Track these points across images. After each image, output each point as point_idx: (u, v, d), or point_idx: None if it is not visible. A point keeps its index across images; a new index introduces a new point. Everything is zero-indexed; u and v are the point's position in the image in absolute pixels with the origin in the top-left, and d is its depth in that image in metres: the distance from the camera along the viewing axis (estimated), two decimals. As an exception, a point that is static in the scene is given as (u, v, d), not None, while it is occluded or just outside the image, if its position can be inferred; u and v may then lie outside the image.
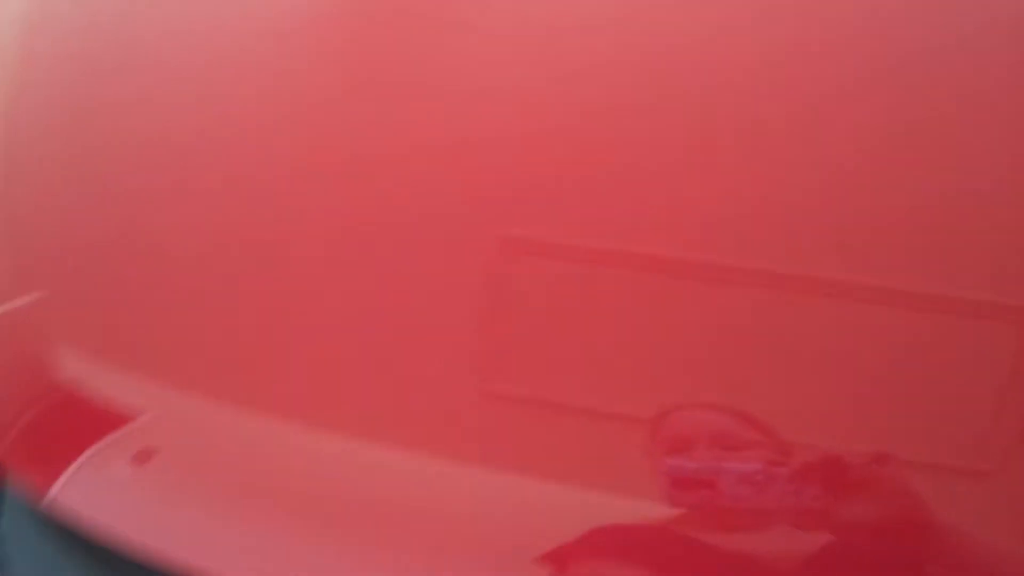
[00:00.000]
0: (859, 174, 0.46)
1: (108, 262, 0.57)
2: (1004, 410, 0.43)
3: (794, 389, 0.45)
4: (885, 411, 0.44)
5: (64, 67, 0.63)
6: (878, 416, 0.44)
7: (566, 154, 0.49)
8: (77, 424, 0.56)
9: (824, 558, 0.41)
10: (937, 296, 0.45)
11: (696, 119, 0.48)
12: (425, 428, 0.48)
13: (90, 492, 0.52)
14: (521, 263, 0.48)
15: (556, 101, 0.49)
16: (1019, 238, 0.45)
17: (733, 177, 0.47)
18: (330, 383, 0.50)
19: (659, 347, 0.46)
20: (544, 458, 0.46)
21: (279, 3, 0.56)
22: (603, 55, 0.49)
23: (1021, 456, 0.43)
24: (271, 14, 0.56)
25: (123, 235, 0.57)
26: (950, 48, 0.47)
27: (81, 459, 0.52)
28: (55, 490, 0.52)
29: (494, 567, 0.44)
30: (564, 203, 0.48)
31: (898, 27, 0.47)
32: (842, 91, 0.47)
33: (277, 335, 0.51)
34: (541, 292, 0.48)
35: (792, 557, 0.41)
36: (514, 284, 0.47)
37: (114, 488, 0.52)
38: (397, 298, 0.49)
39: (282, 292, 0.51)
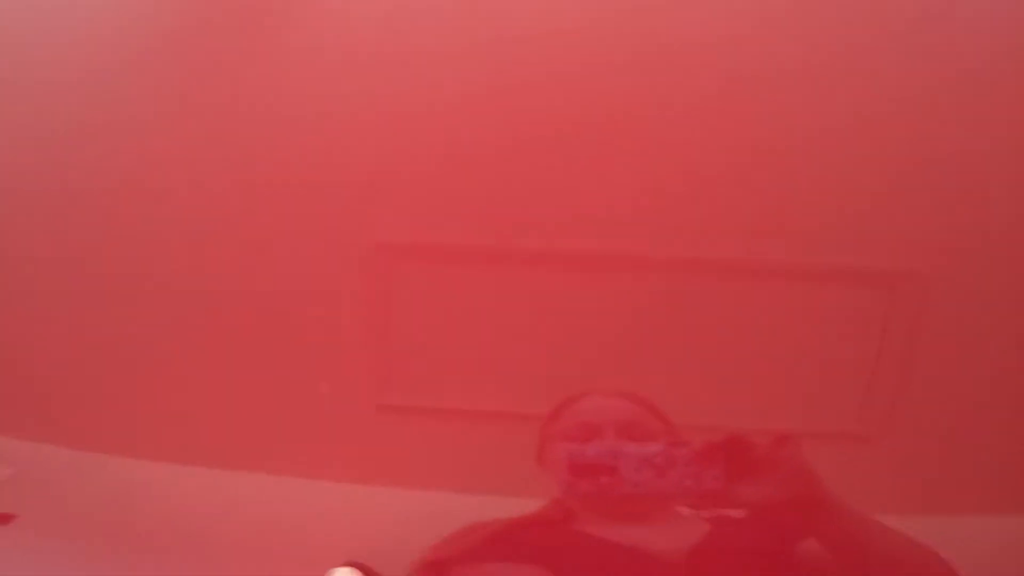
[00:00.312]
0: (724, 157, 0.49)
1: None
2: (879, 373, 0.45)
3: (680, 370, 0.46)
4: (767, 384, 0.45)
5: None
6: (760, 389, 0.45)
7: (431, 157, 0.49)
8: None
9: (711, 546, 0.41)
10: (807, 265, 0.47)
11: (556, 114, 0.49)
12: (317, 450, 0.47)
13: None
14: (396, 269, 0.47)
15: (417, 107, 0.50)
16: (880, 205, 0.48)
17: (605, 166, 0.48)
18: (206, 418, 0.48)
19: (547, 340, 0.47)
20: (438, 466, 0.46)
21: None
22: (453, 56, 0.50)
23: (898, 417, 0.45)
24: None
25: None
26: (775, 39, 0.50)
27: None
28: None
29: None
30: (433, 206, 0.49)
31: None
32: (701, 91, 0.49)
33: (142, 373, 0.49)
34: (421, 297, 0.48)
35: (678, 547, 0.41)
36: (392, 292, 0.47)
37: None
38: (274, 320, 0.48)
39: (145, 324, 0.49)
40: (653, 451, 0.40)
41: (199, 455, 0.47)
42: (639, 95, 0.49)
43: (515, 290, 0.47)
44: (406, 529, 0.44)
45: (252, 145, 0.51)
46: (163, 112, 0.51)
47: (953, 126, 0.50)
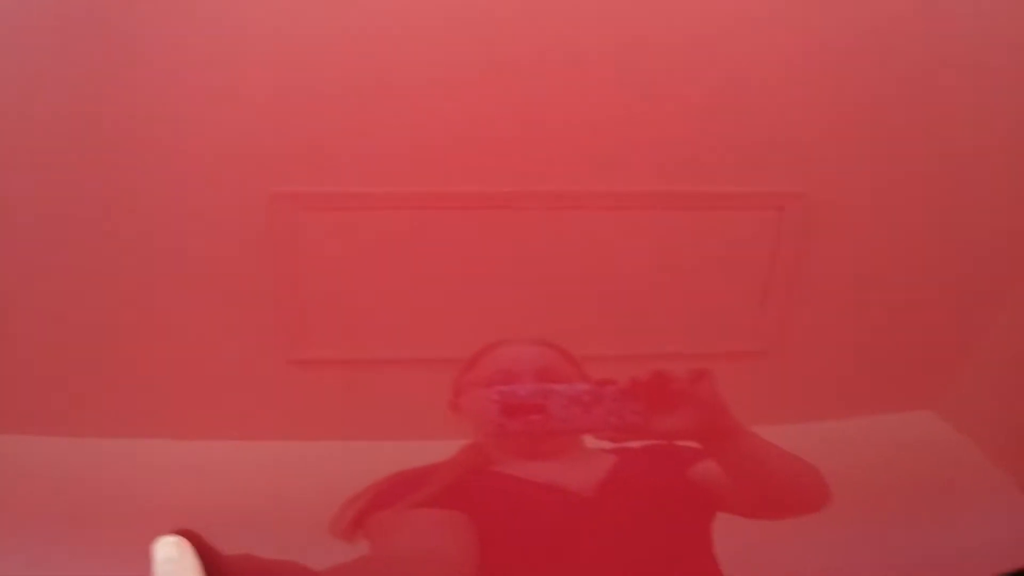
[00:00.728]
0: (610, 90, 0.50)
1: None
2: (770, 291, 0.47)
3: (583, 305, 0.47)
4: (667, 311, 0.47)
5: None
6: (660, 317, 0.47)
7: (334, 99, 0.48)
8: None
9: (617, 476, 0.43)
10: (697, 193, 0.49)
11: (452, 55, 0.50)
12: (232, 410, 0.45)
13: None
14: (297, 219, 0.46)
15: (315, 44, 0.49)
16: (762, 130, 0.50)
17: (501, 108, 0.49)
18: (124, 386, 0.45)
19: (454, 284, 0.47)
20: (353, 417, 0.45)
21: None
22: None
23: (790, 332, 0.47)
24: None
25: None
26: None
27: None
28: None
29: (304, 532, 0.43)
30: (329, 154, 0.48)
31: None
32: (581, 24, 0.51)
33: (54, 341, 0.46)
34: (326, 247, 0.46)
35: (588, 480, 0.43)
36: (295, 243, 0.46)
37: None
38: (177, 282, 0.46)
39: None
40: (581, 390, 0.42)
41: (100, 423, 0.45)
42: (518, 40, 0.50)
43: (424, 236, 0.47)
44: (325, 481, 0.43)
45: (145, 94, 0.49)
46: (43, 64, 0.49)
47: (834, 46, 0.52)
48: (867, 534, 0.44)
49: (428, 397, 0.44)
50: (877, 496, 0.44)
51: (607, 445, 0.43)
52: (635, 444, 0.43)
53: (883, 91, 0.53)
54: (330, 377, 0.45)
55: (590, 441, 0.43)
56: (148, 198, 0.47)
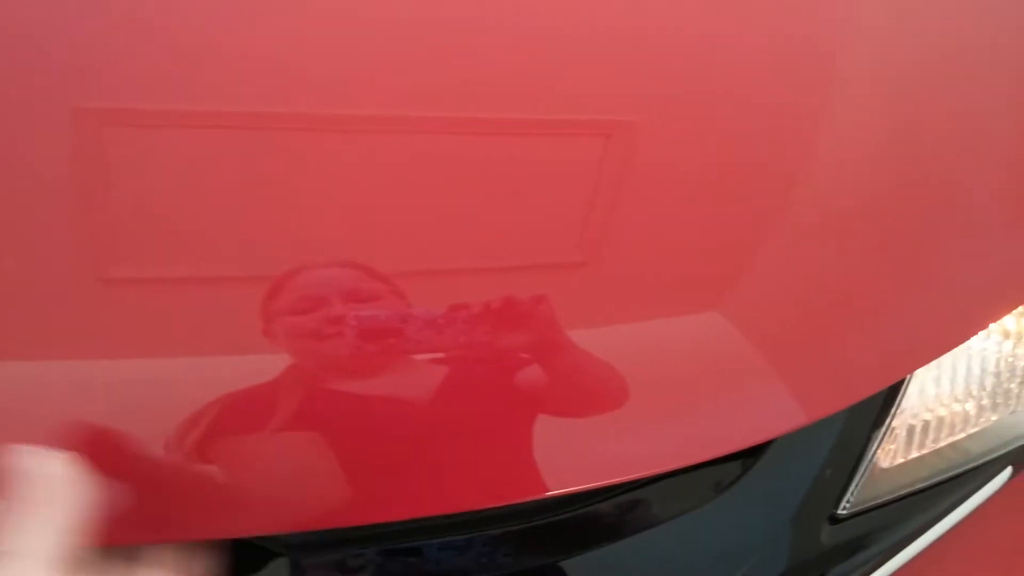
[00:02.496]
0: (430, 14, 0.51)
1: None
2: (593, 206, 0.50)
3: (407, 223, 0.47)
4: (494, 227, 0.49)
5: None
6: (491, 233, 0.49)
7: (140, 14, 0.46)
8: None
9: (449, 384, 0.45)
10: (531, 120, 0.51)
11: None
12: (44, 328, 0.42)
13: None
14: (105, 136, 0.44)
15: None
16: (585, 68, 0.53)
17: (313, 24, 0.49)
18: None
19: (269, 204, 0.46)
20: (168, 334, 0.43)
21: None
22: None
23: (608, 245, 0.50)
24: None
25: None
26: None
27: None
28: None
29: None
30: (137, 66, 0.45)
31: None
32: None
33: None
34: (135, 163, 0.44)
35: (422, 390, 0.45)
36: (104, 159, 0.44)
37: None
38: None
39: None
40: (436, 314, 0.44)
41: None
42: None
43: (236, 156, 0.46)
44: (148, 402, 0.42)
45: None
46: None
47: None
48: (657, 424, 0.49)
49: (241, 314, 0.43)
50: (664, 388, 0.49)
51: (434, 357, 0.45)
52: (466, 355, 0.45)
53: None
54: (142, 296, 0.44)
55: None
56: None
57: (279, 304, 0.43)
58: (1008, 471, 0.70)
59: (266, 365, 0.43)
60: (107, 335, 0.43)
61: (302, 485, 0.43)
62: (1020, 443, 0.70)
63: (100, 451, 0.39)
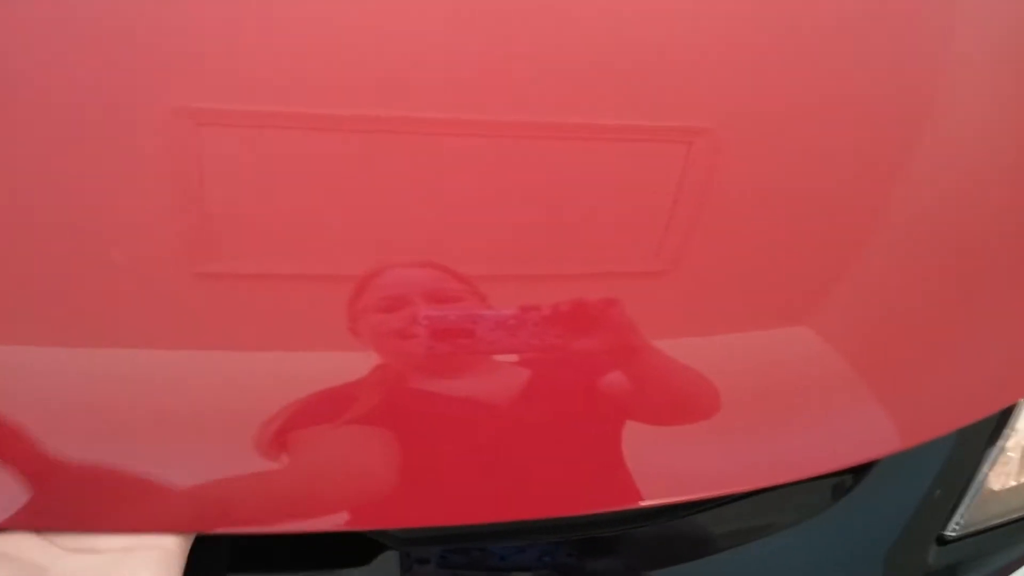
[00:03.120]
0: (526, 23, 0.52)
1: None
2: (674, 216, 0.50)
3: (488, 225, 0.48)
4: (574, 232, 0.49)
5: None
6: (568, 238, 0.49)
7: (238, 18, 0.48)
8: None
9: (531, 389, 0.45)
10: (605, 126, 0.51)
11: None
12: (143, 320, 0.44)
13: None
14: (203, 135, 0.46)
15: None
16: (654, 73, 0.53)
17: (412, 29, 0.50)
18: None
19: (358, 204, 0.47)
20: (263, 330, 0.45)
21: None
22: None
23: (689, 254, 0.50)
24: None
25: None
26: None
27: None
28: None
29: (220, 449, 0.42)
30: (239, 68, 0.48)
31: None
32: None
33: None
34: (230, 164, 0.46)
35: (503, 393, 0.45)
36: (201, 158, 0.46)
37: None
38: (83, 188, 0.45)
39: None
40: (506, 315, 0.44)
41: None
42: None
43: (329, 156, 0.48)
44: (234, 394, 0.43)
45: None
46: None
47: None
48: (749, 437, 0.48)
49: (333, 311, 0.44)
50: (758, 403, 0.49)
51: (519, 359, 0.45)
52: (548, 359, 0.45)
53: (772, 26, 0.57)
54: (235, 290, 0.45)
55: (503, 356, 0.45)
56: (50, 111, 0.46)
57: (363, 302, 0.44)
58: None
59: (351, 362, 0.44)
60: (197, 328, 0.44)
61: (379, 482, 0.44)
62: None
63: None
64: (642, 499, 0.46)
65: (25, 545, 0.39)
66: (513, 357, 0.46)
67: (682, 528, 0.54)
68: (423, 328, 0.44)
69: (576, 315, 0.46)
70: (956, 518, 0.60)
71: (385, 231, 0.47)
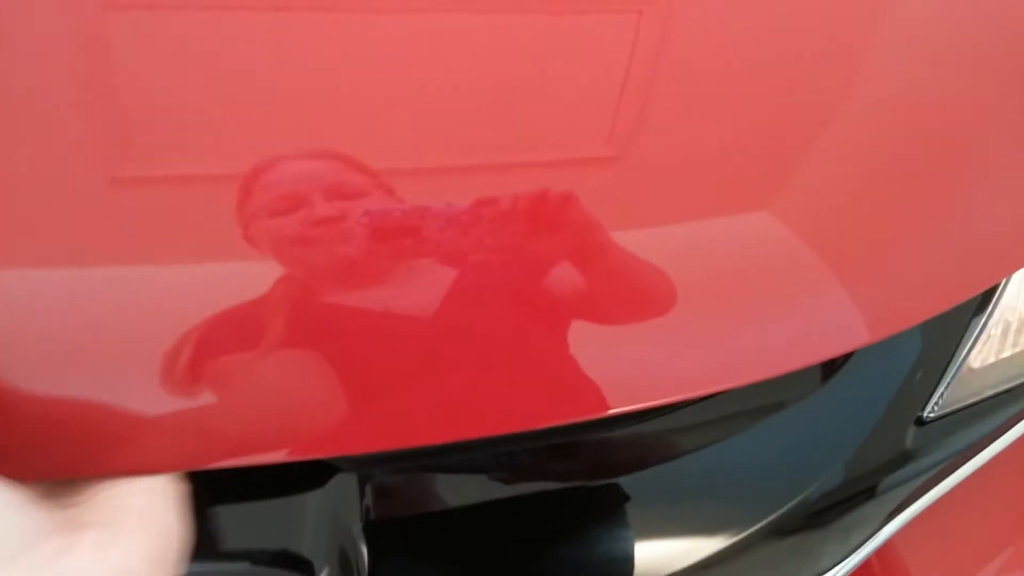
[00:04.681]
0: None
1: None
2: (623, 96, 0.44)
3: (413, 113, 0.42)
4: (507, 120, 0.43)
5: None
6: (510, 125, 0.43)
7: None
8: None
9: (461, 289, 0.40)
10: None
11: None
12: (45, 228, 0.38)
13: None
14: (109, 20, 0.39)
15: None
16: None
17: None
18: None
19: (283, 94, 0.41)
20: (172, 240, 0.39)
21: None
22: None
23: (641, 137, 0.45)
24: None
25: None
26: None
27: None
28: None
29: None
30: None
31: None
32: None
33: None
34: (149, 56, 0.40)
35: (427, 298, 0.39)
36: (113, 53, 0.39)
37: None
38: None
39: None
40: (459, 210, 0.39)
41: None
42: None
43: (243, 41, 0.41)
44: (139, 311, 0.38)
45: None
46: None
47: None
48: (708, 331, 0.44)
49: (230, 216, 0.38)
50: (717, 295, 0.45)
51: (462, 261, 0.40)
52: (480, 257, 0.40)
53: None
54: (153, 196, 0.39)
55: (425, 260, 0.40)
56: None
57: (256, 204, 0.38)
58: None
59: (257, 275, 0.38)
60: (79, 241, 0.38)
61: (299, 411, 0.39)
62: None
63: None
64: (604, 408, 0.43)
65: None
66: (458, 258, 0.40)
67: (649, 430, 0.51)
68: (362, 228, 0.38)
69: (536, 209, 0.41)
70: (935, 399, 0.58)
71: (294, 118, 0.41)
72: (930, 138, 0.52)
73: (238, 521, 0.46)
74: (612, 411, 0.43)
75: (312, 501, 0.47)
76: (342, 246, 0.39)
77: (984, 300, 0.57)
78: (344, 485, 0.48)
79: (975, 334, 0.57)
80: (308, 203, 0.38)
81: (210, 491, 0.43)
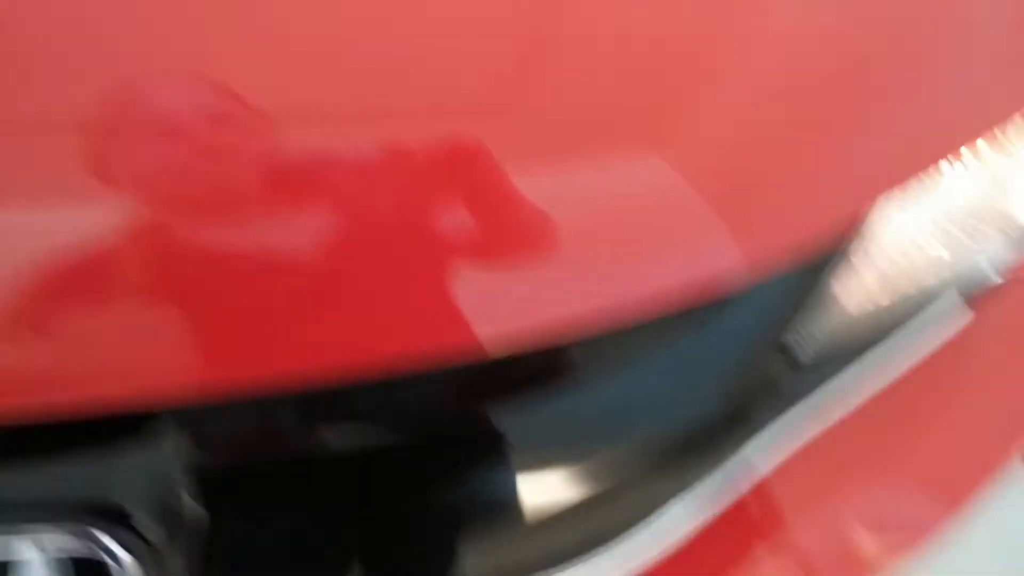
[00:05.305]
0: None
1: None
2: (507, 33, 0.44)
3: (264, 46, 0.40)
4: (397, 52, 0.42)
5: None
6: (391, 59, 0.42)
7: None
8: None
9: (342, 230, 0.38)
10: None
11: None
12: None
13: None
14: None
15: None
16: None
17: None
18: None
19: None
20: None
21: None
22: None
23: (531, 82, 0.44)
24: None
25: None
26: None
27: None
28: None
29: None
30: None
31: None
32: None
33: None
34: None
35: (301, 243, 0.37)
36: None
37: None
38: None
39: None
40: (368, 150, 0.36)
41: None
42: None
43: None
44: None
45: None
46: None
47: None
48: (590, 275, 0.45)
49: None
50: (599, 237, 0.45)
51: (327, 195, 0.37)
52: (359, 191, 0.38)
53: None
54: None
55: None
56: None
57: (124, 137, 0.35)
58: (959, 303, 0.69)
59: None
60: None
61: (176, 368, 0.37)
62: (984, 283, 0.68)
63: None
64: (481, 352, 0.43)
65: None
66: (331, 193, 0.38)
67: (525, 364, 0.50)
68: (258, 170, 0.35)
69: (419, 144, 0.40)
70: (805, 341, 0.60)
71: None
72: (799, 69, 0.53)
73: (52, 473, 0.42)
74: (491, 353, 0.42)
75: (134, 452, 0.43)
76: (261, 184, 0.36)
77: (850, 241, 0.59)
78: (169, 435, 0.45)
79: (841, 269, 0.59)
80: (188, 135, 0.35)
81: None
